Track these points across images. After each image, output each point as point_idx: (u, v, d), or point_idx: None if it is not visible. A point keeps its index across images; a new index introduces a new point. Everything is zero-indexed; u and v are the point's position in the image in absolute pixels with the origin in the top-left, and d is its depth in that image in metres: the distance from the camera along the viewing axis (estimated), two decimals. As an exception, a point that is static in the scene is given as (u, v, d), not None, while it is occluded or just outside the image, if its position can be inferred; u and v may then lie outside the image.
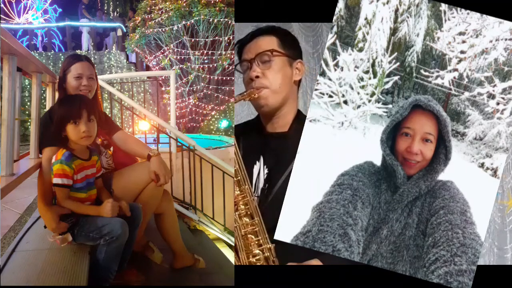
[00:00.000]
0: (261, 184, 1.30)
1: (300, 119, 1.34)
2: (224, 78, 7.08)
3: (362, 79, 1.63)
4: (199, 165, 3.33)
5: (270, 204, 1.27)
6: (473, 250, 1.12)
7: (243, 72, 1.33)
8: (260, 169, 1.31)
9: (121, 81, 6.22)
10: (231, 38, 6.67)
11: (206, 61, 6.89)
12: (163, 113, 7.02)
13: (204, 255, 2.10)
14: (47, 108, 1.97)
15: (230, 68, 6.87)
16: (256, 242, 1.20)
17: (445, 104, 1.60)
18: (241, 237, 1.21)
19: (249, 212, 1.22)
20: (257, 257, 1.20)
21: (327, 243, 1.16)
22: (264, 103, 1.28)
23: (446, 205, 1.20)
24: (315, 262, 1.21)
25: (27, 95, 6.38)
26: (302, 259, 1.23)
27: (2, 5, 8.88)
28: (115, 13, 12.25)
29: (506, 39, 1.45)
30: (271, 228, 1.24)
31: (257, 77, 1.27)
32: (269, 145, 1.32)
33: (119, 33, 9.42)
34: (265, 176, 1.30)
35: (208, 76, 6.92)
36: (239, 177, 1.23)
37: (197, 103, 7.05)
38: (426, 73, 1.62)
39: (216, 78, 6.97)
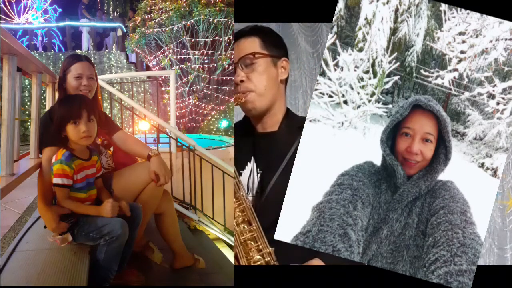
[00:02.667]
0: (254, 185, 1.30)
1: (289, 117, 1.34)
2: (224, 78, 7.08)
3: (362, 79, 1.63)
4: (199, 165, 3.33)
5: (264, 204, 1.27)
6: (473, 250, 1.13)
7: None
8: (252, 170, 1.31)
9: (121, 81, 6.22)
10: (231, 38, 6.67)
11: (206, 61, 6.88)
12: (163, 113, 7.02)
13: (204, 255, 2.10)
14: (47, 108, 1.97)
15: (230, 68, 6.87)
16: (256, 248, 1.20)
17: (445, 104, 1.60)
18: (241, 243, 1.21)
19: (246, 219, 1.22)
20: (258, 263, 1.20)
21: (327, 243, 1.16)
22: (252, 107, 1.28)
23: (446, 205, 1.20)
24: (316, 261, 1.21)
25: (27, 95, 6.38)
26: (302, 259, 1.23)
27: (2, 5, 8.88)
28: (115, 13, 12.24)
29: (506, 39, 1.45)
30: (266, 228, 1.23)
31: (241, 81, 1.27)
32: (260, 145, 1.32)
33: (119, 33, 9.41)
34: (258, 176, 1.30)
35: (208, 76, 6.92)
36: (234, 185, 1.23)
37: (197, 103, 7.05)
38: (426, 73, 1.62)
39: (216, 78, 6.97)
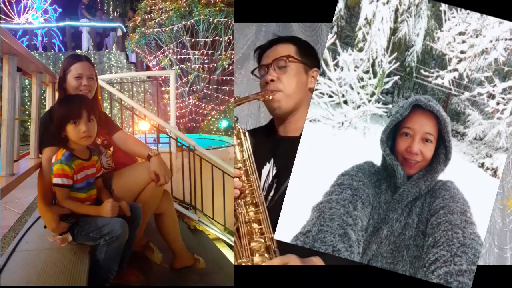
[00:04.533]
0: (270, 184, 1.32)
1: None
2: (224, 78, 7.08)
3: (362, 79, 1.62)
4: (199, 165, 3.33)
5: (276, 203, 1.29)
6: (473, 250, 1.13)
7: (261, 77, 1.38)
8: (269, 170, 1.34)
9: (121, 81, 6.22)
10: (231, 38, 6.67)
11: (206, 61, 6.89)
12: (163, 113, 7.02)
13: (204, 255, 2.10)
14: (47, 108, 1.97)
15: (230, 68, 6.87)
16: (259, 231, 1.22)
17: (445, 104, 1.60)
18: (245, 223, 1.22)
19: (254, 201, 1.23)
20: (259, 245, 1.20)
21: (327, 243, 1.16)
22: (277, 106, 1.32)
23: (446, 205, 1.20)
24: (316, 259, 1.21)
25: (27, 95, 6.38)
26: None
27: (2, 5, 8.88)
28: (115, 13, 12.25)
29: (506, 39, 1.45)
30: (274, 226, 1.25)
31: (272, 80, 1.32)
32: (280, 147, 1.35)
33: (119, 33, 9.42)
34: (273, 175, 1.32)
35: (208, 76, 6.93)
36: (247, 167, 1.25)
37: (197, 103, 7.05)
38: (426, 73, 1.62)
39: (216, 78, 6.97)
